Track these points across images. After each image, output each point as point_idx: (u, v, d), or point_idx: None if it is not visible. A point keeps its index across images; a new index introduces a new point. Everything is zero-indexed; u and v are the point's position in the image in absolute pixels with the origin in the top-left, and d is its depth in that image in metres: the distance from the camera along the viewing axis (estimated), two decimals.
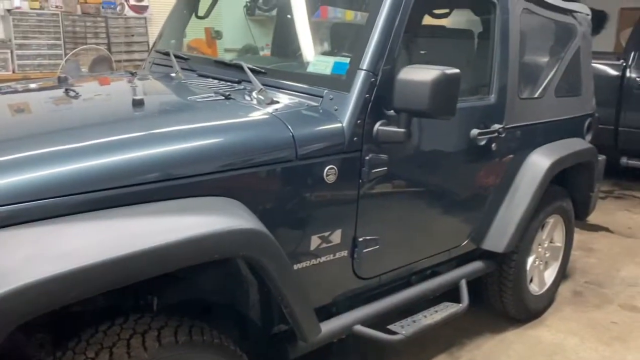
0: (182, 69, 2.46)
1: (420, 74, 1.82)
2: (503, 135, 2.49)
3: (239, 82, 2.20)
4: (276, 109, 1.90)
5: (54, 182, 1.38)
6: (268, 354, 1.99)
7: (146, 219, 1.42)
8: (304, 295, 1.73)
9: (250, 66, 2.14)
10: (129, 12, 6.00)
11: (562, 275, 3.31)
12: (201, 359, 1.53)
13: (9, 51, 5.25)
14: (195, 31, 3.21)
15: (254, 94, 2.01)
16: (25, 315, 1.14)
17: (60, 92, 2.09)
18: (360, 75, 1.93)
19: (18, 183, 1.35)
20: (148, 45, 5.91)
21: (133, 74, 2.55)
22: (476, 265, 2.68)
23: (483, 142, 2.43)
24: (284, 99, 2.01)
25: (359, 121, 1.91)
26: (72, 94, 2.04)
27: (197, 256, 1.44)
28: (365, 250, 2.07)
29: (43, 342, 1.58)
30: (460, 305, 2.43)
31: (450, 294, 2.54)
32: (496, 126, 2.46)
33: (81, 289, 1.21)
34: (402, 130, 1.91)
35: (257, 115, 1.87)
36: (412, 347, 2.68)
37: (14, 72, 5.24)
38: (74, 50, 5.14)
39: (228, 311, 1.94)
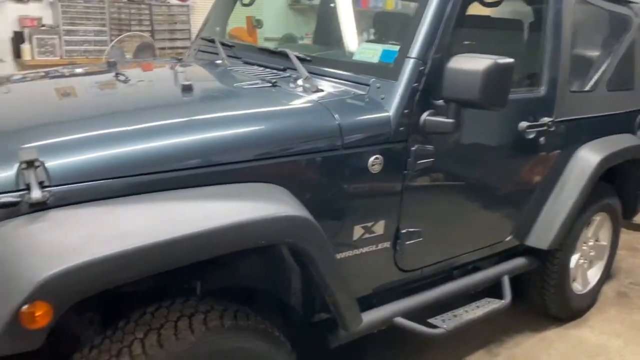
0: (228, 56, 2.47)
1: (472, 63, 1.78)
2: (552, 129, 2.42)
3: (284, 70, 2.19)
4: (322, 97, 1.89)
5: (108, 163, 1.41)
6: (308, 342, 1.99)
7: (195, 203, 1.44)
8: (347, 285, 1.72)
9: (296, 54, 2.13)
10: (172, 0, 6.07)
11: (607, 275, 3.21)
12: (246, 344, 1.54)
13: (57, 37, 5.37)
14: (235, 20, 3.21)
15: (299, 81, 2.01)
16: (82, 292, 1.16)
17: (110, 76, 2.13)
18: (409, 64, 1.89)
19: (74, 164, 1.37)
20: (190, 33, 5.96)
21: (179, 61, 2.57)
22: (519, 262, 2.62)
23: (531, 136, 2.36)
24: (329, 87, 1.99)
25: (406, 111, 1.88)
26: (122, 78, 2.08)
27: (244, 241, 1.44)
28: (407, 242, 2.04)
29: (92, 321, 1.62)
30: (503, 301, 2.38)
31: (491, 290, 2.49)
32: (545, 119, 2.39)
33: (134, 270, 1.23)
34: (451, 120, 1.87)
35: (303, 102, 1.86)
36: (451, 342, 2.64)
37: (61, 57, 5.37)
38: (119, 37, 5.23)
39: (269, 298, 1.95)
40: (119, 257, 1.19)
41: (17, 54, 5.33)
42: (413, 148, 1.92)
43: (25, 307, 1.09)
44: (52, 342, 1.73)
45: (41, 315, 1.11)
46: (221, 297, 1.62)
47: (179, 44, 5.92)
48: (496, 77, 1.77)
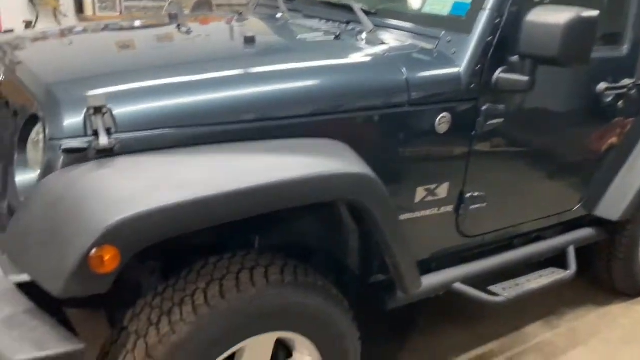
0: (288, 10, 2.40)
1: (553, 16, 1.65)
2: (633, 91, 2.25)
3: (347, 24, 2.11)
4: (388, 51, 1.80)
5: (172, 113, 1.40)
6: (364, 304, 1.96)
7: (259, 156, 1.41)
8: (408, 246, 1.67)
9: (361, 6, 2.04)
10: None
11: None
12: (305, 300, 1.53)
13: None
14: None
15: (364, 34, 1.92)
16: (149, 239, 1.16)
17: (172, 28, 2.11)
18: (484, 16, 1.77)
19: (140, 112, 1.37)
20: None
21: (239, 15, 2.52)
22: (586, 233, 2.49)
23: (609, 99, 2.20)
24: (395, 41, 1.90)
25: (478, 66, 1.77)
26: (184, 29, 2.05)
27: (305, 197, 1.41)
28: (471, 207, 1.96)
29: (154, 271, 1.64)
30: (567, 272, 2.28)
31: (554, 261, 2.38)
32: (626, 81, 2.22)
33: (199, 219, 1.22)
34: (526, 78, 1.76)
35: (369, 56, 1.78)
36: (508, 312, 2.57)
37: (120, 13, 5.44)
38: None
39: (325, 258, 1.92)
40: (185, 206, 1.18)
41: (80, 9, 5.43)
42: (483, 107, 1.82)
43: (94, 250, 1.10)
44: (116, 289, 1.79)
45: (109, 259, 1.12)
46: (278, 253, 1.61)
47: (234, 1, 5.87)
48: (578, 32, 1.65)
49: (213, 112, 1.44)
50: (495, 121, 1.87)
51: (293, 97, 1.56)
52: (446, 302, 2.20)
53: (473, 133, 1.84)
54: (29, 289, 1.22)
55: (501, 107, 1.87)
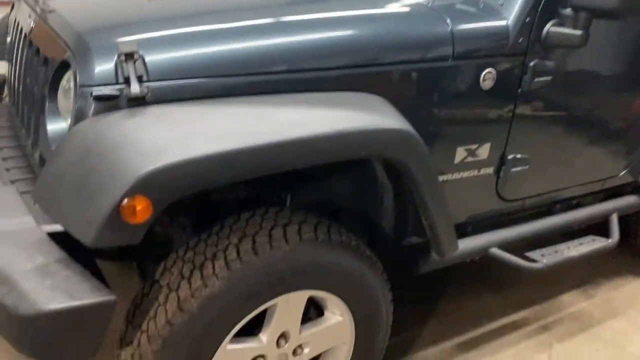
0: None
1: None
2: None
3: None
4: (432, 0, 1.70)
5: (204, 61, 1.34)
6: (396, 266, 1.92)
7: (295, 108, 1.35)
8: (447, 208, 1.60)
9: None
10: None
11: None
12: (338, 259, 1.49)
13: None
14: None
15: None
16: (181, 190, 1.12)
17: None
18: None
19: (172, 60, 1.32)
20: None
21: None
22: (630, 200, 2.37)
23: None
24: None
25: (527, 19, 1.66)
26: None
27: (342, 152, 1.35)
28: (513, 170, 1.88)
29: (185, 226, 1.61)
30: (609, 240, 2.19)
31: (595, 228, 2.29)
32: None
33: (232, 172, 1.18)
34: (579, 32, 1.64)
35: (411, 5, 1.68)
36: (544, 280, 2.51)
37: None
38: None
39: (359, 218, 1.88)
40: (218, 157, 1.13)
41: None
42: (531, 63, 1.72)
43: (126, 200, 1.07)
44: (147, 242, 1.78)
45: (141, 210, 1.08)
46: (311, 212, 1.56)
47: None
48: None
49: (246, 61, 1.38)
50: (543, 79, 1.77)
51: (329, 47, 1.49)
52: (480, 267, 2.15)
53: (519, 91, 1.74)
54: (62, 240, 1.20)
55: (550, 64, 1.76)
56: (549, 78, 1.77)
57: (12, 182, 1.48)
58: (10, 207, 1.32)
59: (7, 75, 2.14)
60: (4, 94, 2.21)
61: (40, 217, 1.27)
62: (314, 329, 1.58)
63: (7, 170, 1.56)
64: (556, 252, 2.05)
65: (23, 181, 1.49)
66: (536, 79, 1.75)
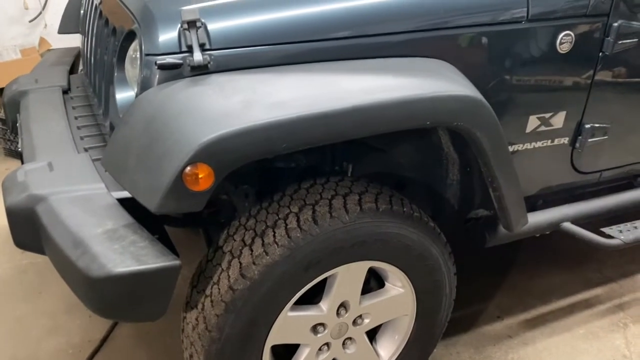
0: None
1: None
2: None
3: None
4: None
5: (267, 29, 1.32)
6: (461, 239, 1.86)
7: (359, 75, 1.31)
8: (517, 179, 1.52)
9: None
10: None
11: None
12: (400, 231, 1.46)
13: None
14: None
15: None
16: (243, 158, 1.12)
17: None
18: None
19: (235, 27, 1.30)
20: None
21: None
22: None
23: None
24: None
25: None
26: None
27: (408, 120, 1.29)
28: (590, 140, 1.76)
29: (247, 194, 1.63)
30: None
31: None
32: None
33: (294, 140, 1.16)
34: None
35: None
36: (618, 257, 2.37)
37: None
38: None
39: (424, 189, 1.83)
40: (280, 125, 1.12)
41: None
42: (615, 24, 1.58)
43: (188, 168, 1.08)
44: (211, 210, 1.82)
45: (204, 177, 1.10)
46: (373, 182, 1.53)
47: None
48: None
49: (308, 28, 1.35)
50: (627, 41, 1.63)
51: (394, 11, 1.42)
52: (550, 241, 2.05)
53: (600, 54, 1.62)
54: (132, 206, 1.24)
55: (636, 25, 1.61)
56: (634, 41, 1.63)
57: (86, 149, 1.54)
58: (83, 174, 1.37)
59: (81, 47, 2.23)
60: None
61: (110, 183, 1.31)
62: (374, 300, 1.57)
63: (82, 138, 1.62)
64: (635, 227, 1.91)
65: (96, 149, 1.55)
66: (620, 42, 1.61)
